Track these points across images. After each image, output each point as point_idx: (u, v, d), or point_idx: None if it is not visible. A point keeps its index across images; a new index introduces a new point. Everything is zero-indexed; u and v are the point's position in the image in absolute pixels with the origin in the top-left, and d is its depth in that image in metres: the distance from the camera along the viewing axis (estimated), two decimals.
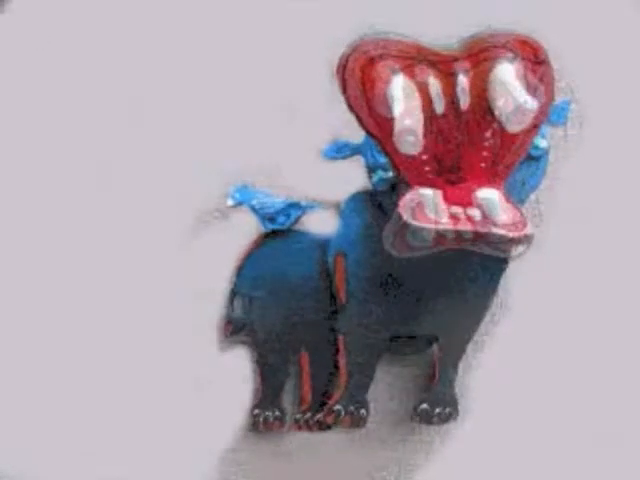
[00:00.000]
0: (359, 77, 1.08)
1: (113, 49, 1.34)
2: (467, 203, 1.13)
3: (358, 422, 1.26)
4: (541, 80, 1.07)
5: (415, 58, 1.07)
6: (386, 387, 1.32)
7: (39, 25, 1.34)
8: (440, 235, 1.13)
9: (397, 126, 1.10)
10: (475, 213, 1.13)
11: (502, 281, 1.24)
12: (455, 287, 1.22)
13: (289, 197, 1.32)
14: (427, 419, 1.26)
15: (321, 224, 1.30)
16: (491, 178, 1.14)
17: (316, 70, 1.26)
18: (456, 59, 1.08)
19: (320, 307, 1.29)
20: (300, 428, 1.32)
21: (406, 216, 1.14)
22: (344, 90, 1.10)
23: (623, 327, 1.32)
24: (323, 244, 1.29)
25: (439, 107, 1.10)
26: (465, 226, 1.12)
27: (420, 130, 1.10)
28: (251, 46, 1.34)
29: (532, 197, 1.24)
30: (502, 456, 1.32)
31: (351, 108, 1.11)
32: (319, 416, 1.28)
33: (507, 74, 1.06)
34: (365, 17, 1.21)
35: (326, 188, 1.29)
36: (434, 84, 1.08)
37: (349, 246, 1.25)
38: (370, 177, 1.24)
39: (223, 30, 1.34)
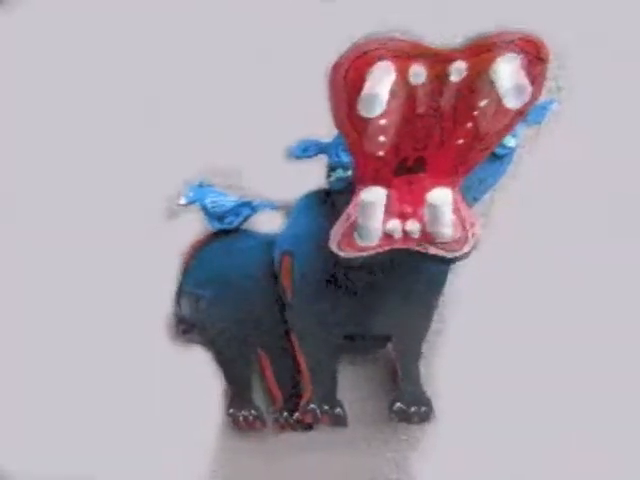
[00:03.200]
0: (351, 76, 1.05)
1: (121, 52, 1.35)
2: (418, 204, 1.13)
3: (338, 420, 1.25)
4: (534, 80, 1.06)
5: (411, 57, 1.04)
6: (353, 387, 1.31)
7: (35, 23, 1.34)
8: (387, 235, 1.13)
9: (372, 126, 1.08)
10: (415, 228, 1.13)
11: (448, 281, 1.24)
12: (399, 287, 1.22)
13: (243, 196, 1.30)
14: (405, 418, 1.25)
15: (274, 223, 1.29)
16: (449, 177, 1.13)
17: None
18: (456, 59, 1.05)
19: (267, 305, 1.28)
20: (283, 428, 1.31)
21: (356, 216, 1.14)
22: (330, 87, 1.07)
23: (577, 325, 1.34)
24: (270, 244, 1.28)
25: (421, 107, 1.08)
26: (404, 243, 1.12)
27: (393, 131, 1.09)
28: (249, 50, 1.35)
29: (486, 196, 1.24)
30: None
31: (332, 105, 1.08)
32: (297, 415, 1.28)
33: (499, 75, 1.05)
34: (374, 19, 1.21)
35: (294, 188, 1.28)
36: (422, 83, 1.06)
37: (296, 245, 1.25)
38: (329, 176, 1.23)
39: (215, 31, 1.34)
